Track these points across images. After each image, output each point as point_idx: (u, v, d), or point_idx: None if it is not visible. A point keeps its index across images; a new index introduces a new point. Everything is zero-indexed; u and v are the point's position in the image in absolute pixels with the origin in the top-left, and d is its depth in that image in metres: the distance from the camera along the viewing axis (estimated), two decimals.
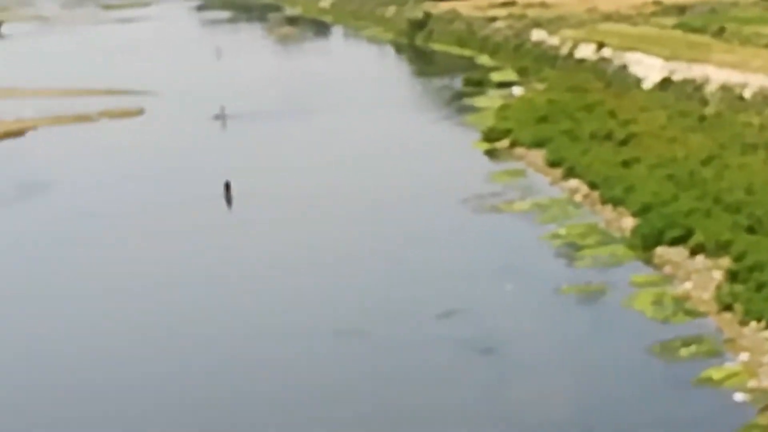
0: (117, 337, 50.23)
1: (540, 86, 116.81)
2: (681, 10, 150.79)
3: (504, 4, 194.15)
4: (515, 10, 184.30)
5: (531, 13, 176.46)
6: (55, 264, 65.93)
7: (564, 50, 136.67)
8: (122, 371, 45.88)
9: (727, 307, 46.29)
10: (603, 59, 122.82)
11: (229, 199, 76.88)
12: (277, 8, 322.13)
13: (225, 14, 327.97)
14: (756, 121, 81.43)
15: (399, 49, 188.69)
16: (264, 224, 71.17)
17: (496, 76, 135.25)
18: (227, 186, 77.90)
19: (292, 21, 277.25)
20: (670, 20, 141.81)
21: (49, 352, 49.09)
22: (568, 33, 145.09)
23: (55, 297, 57.92)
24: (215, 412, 39.61)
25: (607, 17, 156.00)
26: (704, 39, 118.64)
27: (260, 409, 41.12)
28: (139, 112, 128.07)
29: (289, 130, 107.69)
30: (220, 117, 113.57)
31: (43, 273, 63.67)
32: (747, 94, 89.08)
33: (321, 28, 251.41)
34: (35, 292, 59.38)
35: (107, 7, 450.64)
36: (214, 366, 46.04)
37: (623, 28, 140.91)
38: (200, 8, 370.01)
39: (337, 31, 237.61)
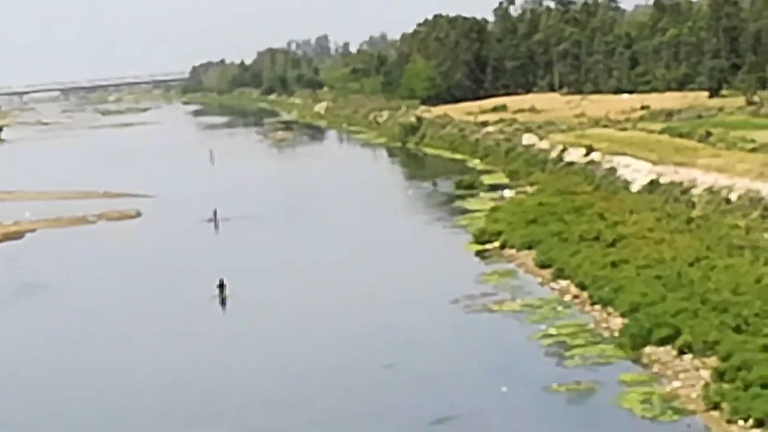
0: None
1: (530, 189, 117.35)
2: (668, 115, 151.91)
3: (494, 110, 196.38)
4: (505, 115, 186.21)
5: (521, 117, 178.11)
6: (50, 362, 65.31)
7: (553, 154, 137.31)
8: None
9: (715, 406, 46.27)
10: (592, 162, 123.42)
11: (223, 299, 76.58)
12: (272, 113, 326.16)
13: (221, 119, 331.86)
14: (742, 223, 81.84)
15: (391, 152, 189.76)
16: (258, 327, 71.16)
17: (487, 179, 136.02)
18: (221, 285, 77.62)
19: (287, 126, 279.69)
20: (658, 125, 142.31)
21: None
22: (558, 137, 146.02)
23: (51, 391, 58.31)
24: None
25: (596, 122, 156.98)
26: (691, 143, 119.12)
27: None
28: (136, 214, 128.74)
29: (281, 233, 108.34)
30: (213, 220, 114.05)
31: (38, 370, 63.25)
32: (733, 197, 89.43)
33: (316, 133, 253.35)
34: (33, 388, 59.49)
35: (106, 112, 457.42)
36: None
37: (611, 132, 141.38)
38: (197, 113, 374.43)
39: (331, 136, 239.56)
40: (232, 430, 50.77)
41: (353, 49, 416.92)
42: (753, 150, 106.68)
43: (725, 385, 47.46)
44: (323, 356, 62.42)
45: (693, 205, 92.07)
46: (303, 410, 52.51)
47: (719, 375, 48.87)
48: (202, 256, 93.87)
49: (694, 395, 48.25)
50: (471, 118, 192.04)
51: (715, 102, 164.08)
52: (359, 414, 50.88)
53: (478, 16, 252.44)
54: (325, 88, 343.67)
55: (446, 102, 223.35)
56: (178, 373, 61.66)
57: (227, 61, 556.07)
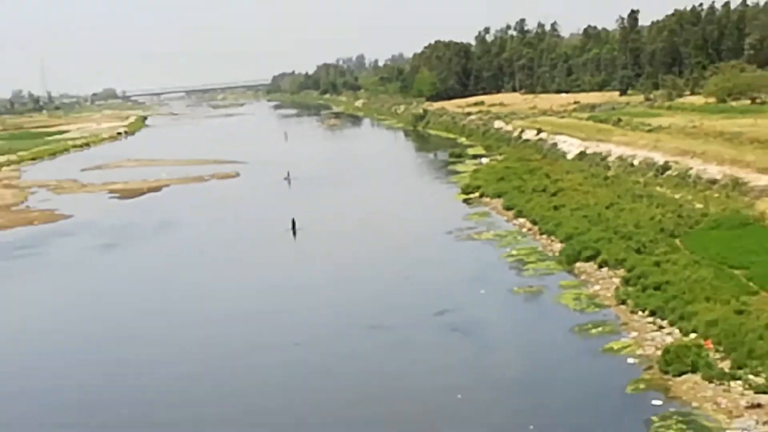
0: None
1: (500, 157, 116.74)
2: (592, 108, 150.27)
3: (476, 104, 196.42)
4: (483, 108, 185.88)
5: (493, 109, 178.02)
6: (187, 262, 69.43)
7: (515, 134, 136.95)
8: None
9: (623, 302, 46.58)
10: (541, 140, 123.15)
11: (294, 231, 77.07)
12: (326, 107, 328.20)
13: (292, 111, 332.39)
14: (641, 180, 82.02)
15: (406, 133, 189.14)
16: (323, 247, 72.59)
17: (470, 151, 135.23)
18: (293, 222, 78.24)
19: (336, 115, 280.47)
20: (585, 114, 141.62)
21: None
22: (518, 122, 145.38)
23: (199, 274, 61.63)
24: None
25: (544, 112, 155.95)
26: (607, 126, 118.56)
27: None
28: (235, 174, 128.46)
29: (333, 187, 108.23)
30: (287, 178, 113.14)
31: (183, 268, 68.16)
32: (635, 162, 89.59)
33: (355, 120, 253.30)
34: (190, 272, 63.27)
35: (215, 106, 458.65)
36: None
37: (554, 119, 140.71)
38: (276, 107, 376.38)
39: (366, 122, 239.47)
40: (305, 298, 53.19)
41: (381, 63, 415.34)
42: (649, 131, 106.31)
43: (629, 288, 47.87)
44: (362, 267, 64.22)
45: (608, 168, 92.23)
46: (348, 296, 54.54)
47: (625, 281, 49.37)
48: (280, 203, 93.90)
49: (608, 295, 48.71)
50: (459, 110, 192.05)
51: (624, 99, 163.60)
52: (390, 306, 51.73)
53: (465, 41, 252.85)
54: (362, 90, 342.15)
55: (443, 99, 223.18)
56: (266, 273, 64.31)
57: (297, 72, 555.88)
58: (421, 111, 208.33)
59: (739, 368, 35.03)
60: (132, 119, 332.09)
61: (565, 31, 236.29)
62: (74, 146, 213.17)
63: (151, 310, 56.04)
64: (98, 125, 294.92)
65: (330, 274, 62.23)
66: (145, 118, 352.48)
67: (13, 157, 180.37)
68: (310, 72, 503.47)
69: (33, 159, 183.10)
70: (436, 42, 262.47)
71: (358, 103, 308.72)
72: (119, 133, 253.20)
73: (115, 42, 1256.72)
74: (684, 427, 31.17)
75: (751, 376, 34.22)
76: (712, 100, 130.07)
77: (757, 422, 30.73)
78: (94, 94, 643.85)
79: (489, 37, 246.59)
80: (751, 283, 45.77)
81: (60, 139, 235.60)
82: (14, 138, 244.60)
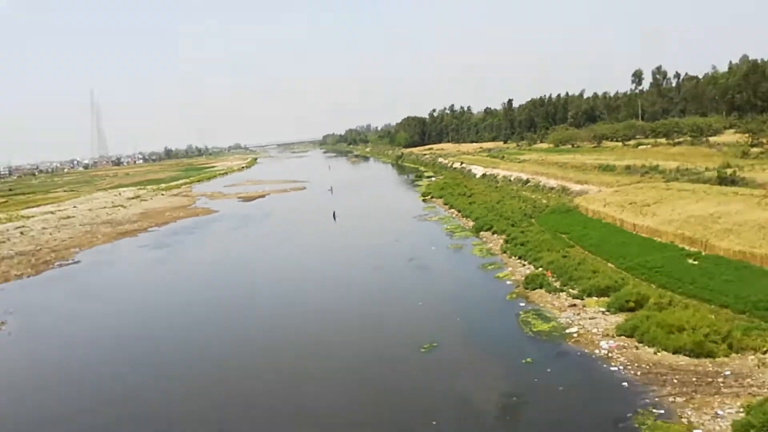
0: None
1: (441, 178, 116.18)
2: (489, 150, 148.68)
3: (428, 149, 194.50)
4: (432, 151, 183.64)
5: (438, 152, 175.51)
6: (272, 238, 66.25)
7: (449, 165, 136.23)
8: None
9: (504, 252, 46.55)
10: (462, 167, 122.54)
11: (334, 217, 76.48)
12: (350, 152, 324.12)
13: (333, 154, 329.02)
14: (515, 188, 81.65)
15: (392, 166, 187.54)
16: (349, 225, 71.51)
17: (426, 174, 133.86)
18: (334, 213, 77.80)
19: (356, 156, 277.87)
20: (485, 154, 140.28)
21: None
22: (451, 159, 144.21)
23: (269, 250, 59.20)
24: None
25: (464, 153, 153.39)
26: (496, 160, 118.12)
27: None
28: (304, 188, 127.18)
29: (355, 193, 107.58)
30: (331, 190, 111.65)
31: (264, 244, 64.54)
32: (512, 178, 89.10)
33: (366, 159, 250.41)
34: (263, 251, 60.39)
35: (293, 152, 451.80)
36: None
37: (469, 156, 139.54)
38: (324, 153, 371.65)
39: (371, 161, 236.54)
40: (341, 247, 51.83)
41: (379, 128, 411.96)
42: (519, 162, 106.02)
43: (508, 245, 47.98)
44: (370, 233, 62.99)
45: (497, 182, 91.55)
46: (363, 248, 53.61)
47: (506, 241, 49.31)
48: (327, 202, 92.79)
49: (497, 248, 48.60)
50: (420, 152, 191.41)
51: (505, 145, 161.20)
52: (384, 255, 51.10)
53: (423, 116, 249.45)
54: (369, 143, 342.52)
55: (411, 146, 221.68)
56: (322, 236, 63.13)
57: (335, 133, 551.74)
58: (399, 153, 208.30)
59: (564, 286, 35.33)
60: (249, 159, 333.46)
61: (474, 110, 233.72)
62: (219, 174, 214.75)
63: (262, 255, 57.23)
64: (231, 163, 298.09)
65: (353, 239, 62.41)
66: (256, 159, 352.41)
67: (187, 180, 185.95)
68: (342, 133, 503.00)
69: (198, 181, 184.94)
70: (408, 117, 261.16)
71: (367, 150, 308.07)
72: (242, 167, 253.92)
73: (240, 108, 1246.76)
74: (536, 316, 31.46)
75: (570, 290, 34.54)
76: (551, 145, 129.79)
77: (573, 314, 31.07)
78: (229, 146, 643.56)
79: (435, 114, 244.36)
80: (571, 242, 46.15)
81: (211, 170, 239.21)
82: (188, 170, 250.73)
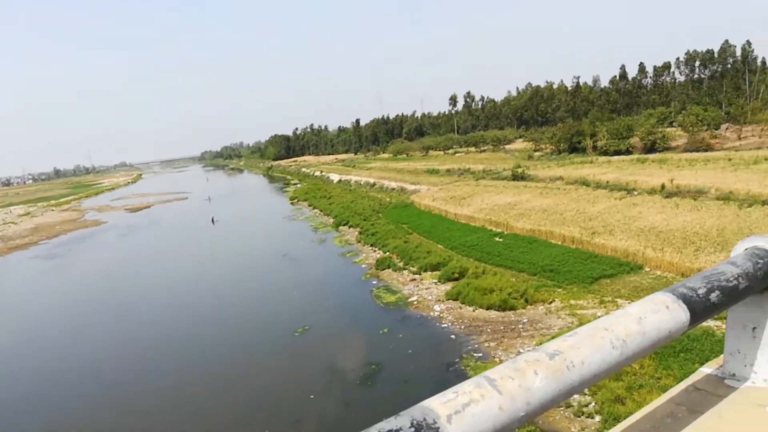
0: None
1: (305, 184, 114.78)
2: (342, 161, 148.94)
3: (294, 161, 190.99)
4: (296, 163, 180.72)
5: (302, 163, 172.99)
6: (156, 243, 61.60)
7: (312, 173, 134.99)
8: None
9: (359, 242, 47.15)
10: (322, 175, 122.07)
11: (213, 221, 72.63)
12: (226, 166, 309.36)
13: (211, 168, 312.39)
14: (365, 190, 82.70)
15: (264, 176, 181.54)
16: (227, 228, 67.77)
17: (293, 181, 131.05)
18: (213, 218, 74.03)
19: (231, 168, 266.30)
20: (340, 164, 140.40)
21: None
22: (312, 168, 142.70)
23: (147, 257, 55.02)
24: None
25: (323, 164, 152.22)
26: (349, 168, 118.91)
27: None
28: (186, 198, 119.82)
29: (232, 201, 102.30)
30: (209, 199, 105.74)
31: (143, 255, 59.44)
32: (362, 182, 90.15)
33: (240, 171, 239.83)
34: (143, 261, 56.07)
35: (175, 168, 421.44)
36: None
37: (327, 166, 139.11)
38: (204, 167, 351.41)
39: (245, 172, 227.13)
40: (223, 247, 49.29)
41: (251, 144, 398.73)
42: (367, 169, 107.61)
43: (362, 235, 48.43)
44: (248, 235, 60.07)
45: (351, 185, 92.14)
46: (241, 247, 51.44)
47: (360, 233, 49.65)
48: (205, 209, 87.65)
49: (353, 239, 48.87)
50: (287, 164, 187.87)
51: (355, 156, 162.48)
52: (259, 251, 49.61)
53: (288, 134, 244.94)
54: (243, 157, 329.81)
55: (279, 159, 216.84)
56: (203, 238, 58.75)
57: (212, 149, 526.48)
58: (269, 165, 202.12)
59: (406, 265, 36.65)
60: (134, 175, 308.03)
61: (330, 128, 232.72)
62: (107, 189, 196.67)
63: (146, 262, 52.04)
64: (118, 179, 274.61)
65: (231, 240, 59.15)
66: (141, 175, 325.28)
67: (76, 196, 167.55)
68: (219, 149, 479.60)
69: (87, 196, 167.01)
70: (275, 135, 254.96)
71: (241, 164, 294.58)
72: (128, 182, 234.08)
73: (124, 129, 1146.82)
74: (386, 290, 32.37)
75: (411, 268, 35.89)
76: (391, 155, 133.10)
77: (414, 286, 32.38)
78: (115, 165, 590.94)
79: (298, 131, 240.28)
80: (410, 230, 47.87)
81: (99, 186, 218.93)
82: (77, 187, 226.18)
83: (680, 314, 1.09)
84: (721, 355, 1.52)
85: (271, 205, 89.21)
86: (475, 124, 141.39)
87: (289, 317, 30.28)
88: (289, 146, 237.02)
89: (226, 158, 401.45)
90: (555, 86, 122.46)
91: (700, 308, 1.13)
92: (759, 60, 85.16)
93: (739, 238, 1.45)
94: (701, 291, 1.17)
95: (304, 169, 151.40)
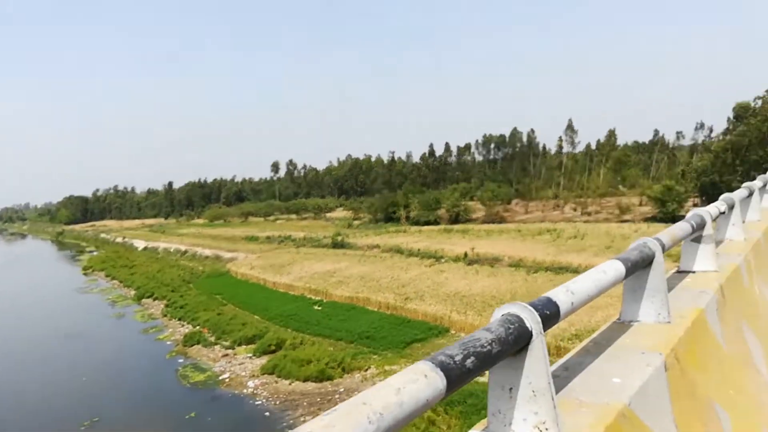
0: None
1: (104, 251, 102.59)
2: (150, 226, 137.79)
3: (91, 226, 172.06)
4: (94, 227, 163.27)
5: (102, 228, 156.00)
6: None
7: (113, 239, 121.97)
8: None
9: (165, 315, 43.25)
10: (125, 241, 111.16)
11: None
12: (5, 230, 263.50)
13: None
14: (175, 258, 76.82)
15: (53, 242, 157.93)
16: (2, 304, 57.28)
17: (88, 249, 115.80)
18: None
19: (12, 234, 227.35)
20: (146, 229, 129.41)
21: None
22: (114, 234, 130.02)
23: None
24: None
25: (128, 229, 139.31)
26: (158, 234, 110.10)
27: None
28: None
29: (12, 270, 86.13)
30: None
31: None
32: (171, 250, 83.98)
33: (24, 236, 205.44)
34: None
35: None
36: None
37: (132, 232, 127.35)
38: None
39: (29, 237, 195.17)
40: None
41: (39, 206, 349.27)
42: (179, 235, 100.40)
43: (169, 308, 45.10)
44: (26, 315, 50.77)
45: (159, 253, 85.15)
46: (13, 334, 43.39)
47: (167, 306, 46.18)
48: None
49: (158, 313, 45.08)
50: (83, 229, 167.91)
51: (166, 221, 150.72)
52: (43, 332, 42.16)
53: (87, 194, 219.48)
54: (27, 221, 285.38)
55: (74, 223, 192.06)
56: None
57: None
58: (60, 230, 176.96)
59: (219, 339, 34.32)
60: None
61: (138, 189, 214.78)
62: None
63: None
64: None
65: (5, 320, 48.90)
66: None
67: None
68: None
69: None
70: (70, 196, 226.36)
71: (25, 228, 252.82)
72: None
73: None
74: (194, 369, 29.73)
75: (223, 342, 33.66)
76: (207, 220, 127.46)
77: (226, 362, 30.25)
78: None
79: (99, 193, 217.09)
80: (224, 301, 45.25)
81: None
82: None
83: (437, 382, 1.11)
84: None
85: (60, 276, 77.13)
86: (297, 191, 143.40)
87: (74, 408, 26.10)
88: (86, 209, 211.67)
89: (5, 221, 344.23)
90: (373, 159, 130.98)
91: (455, 375, 1.17)
92: (541, 146, 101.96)
93: (528, 300, 1.56)
94: (458, 358, 1.22)
95: (103, 235, 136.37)
